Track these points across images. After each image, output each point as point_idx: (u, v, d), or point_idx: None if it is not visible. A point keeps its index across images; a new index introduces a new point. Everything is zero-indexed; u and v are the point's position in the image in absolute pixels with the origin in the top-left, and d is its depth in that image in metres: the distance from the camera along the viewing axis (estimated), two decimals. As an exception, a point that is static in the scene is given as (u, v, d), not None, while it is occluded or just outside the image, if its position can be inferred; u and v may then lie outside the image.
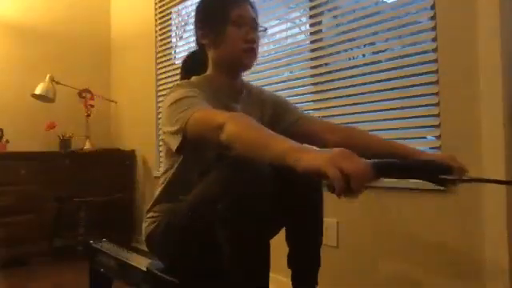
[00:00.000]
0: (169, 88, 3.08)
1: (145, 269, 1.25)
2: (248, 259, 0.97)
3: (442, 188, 1.07)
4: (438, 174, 0.93)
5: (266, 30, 1.24)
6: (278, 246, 1.27)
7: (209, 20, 1.19)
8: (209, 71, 1.22)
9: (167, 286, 1.16)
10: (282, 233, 1.24)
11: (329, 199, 1.28)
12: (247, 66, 1.19)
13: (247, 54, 1.15)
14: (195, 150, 1.09)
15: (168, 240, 1.13)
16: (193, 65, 1.27)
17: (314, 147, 0.89)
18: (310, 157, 0.71)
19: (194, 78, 1.21)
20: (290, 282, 1.27)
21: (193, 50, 1.31)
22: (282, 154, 0.75)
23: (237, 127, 0.87)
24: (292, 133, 1.22)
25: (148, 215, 1.24)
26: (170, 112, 1.03)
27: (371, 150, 1.15)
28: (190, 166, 1.15)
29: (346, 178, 0.66)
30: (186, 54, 1.30)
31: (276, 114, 1.29)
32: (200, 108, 0.98)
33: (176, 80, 2.92)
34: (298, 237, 1.22)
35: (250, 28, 1.15)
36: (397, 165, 0.89)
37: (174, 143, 1.00)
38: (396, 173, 0.89)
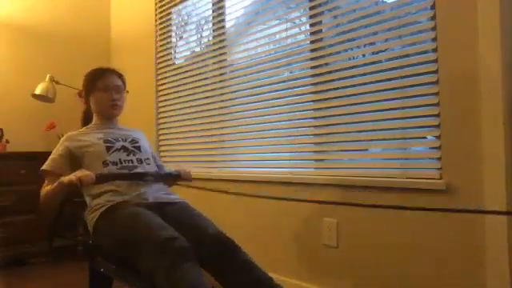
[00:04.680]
0: (168, 88, 3.08)
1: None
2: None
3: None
4: (142, 178, 1.57)
5: (127, 91, 1.82)
6: (278, 246, 1.27)
7: (88, 87, 1.77)
8: (93, 119, 1.81)
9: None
10: (284, 233, 1.24)
11: (329, 199, 1.29)
12: (114, 115, 1.79)
13: (112, 108, 1.74)
14: (86, 165, 1.64)
15: (108, 243, 1.48)
16: (87, 116, 1.85)
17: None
18: (68, 176, 1.41)
19: (86, 126, 1.81)
20: (290, 281, 1.27)
21: (84, 109, 1.89)
22: (64, 182, 1.42)
23: (42, 193, 1.60)
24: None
25: (88, 212, 1.57)
26: (53, 151, 1.70)
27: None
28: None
29: (80, 180, 1.38)
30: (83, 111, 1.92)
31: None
32: (48, 167, 1.65)
33: (176, 80, 2.93)
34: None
35: (115, 91, 1.73)
36: (113, 175, 1.53)
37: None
38: (113, 178, 1.52)
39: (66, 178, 1.39)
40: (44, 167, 1.65)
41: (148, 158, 1.72)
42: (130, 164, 1.63)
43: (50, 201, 1.56)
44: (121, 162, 1.61)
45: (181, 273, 1.18)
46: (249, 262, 1.39)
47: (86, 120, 1.85)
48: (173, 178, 1.69)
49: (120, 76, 1.81)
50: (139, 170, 1.64)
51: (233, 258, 1.38)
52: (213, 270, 1.40)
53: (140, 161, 1.66)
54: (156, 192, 1.60)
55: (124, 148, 1.67)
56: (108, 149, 1.63)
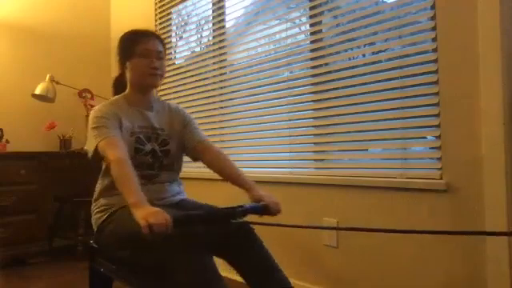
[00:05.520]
0: (168, 88, 3.07)
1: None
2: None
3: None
4: (231, 219, 1.22)
5: (166, 58, 1.59)
6: (279, 246, 1.27)
7: (124, 51, 1.56)
8: (127, 90, 1.57)
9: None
10: (284, 233, 1.24)
11: (329, 200, 1.29)
12: (153, 86, 1.55)
13: (152, 77, 1.49)
14: None
15: (113, 243, 1.41)
16: (119, 85, 1.62)
17: (147, 205, 1.15)
18: (137, 212, 1.10)
19: (115, 97, 1.57)
20: (290, 281, 1.28)
21: (118, 73, 1.65)
22: (130, 206, 1.15)
23: (114, 171, 1.27)
24: (189, 151, 1.60)
25: (95, 211, 1.50)
26: (89, 132, 1.42)
27: (224, 175, 1.52)
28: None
29: (151, 228, 1.04)
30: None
31: (183, 131, 1.60)
32: (104, 138, 1.35)
33: (175, 80, 2.93)
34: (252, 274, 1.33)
35: (155, 58, 1.50)
36: (193, 217, 1.21)
37: (90, 156, 1.41)
38: (194, 223, 1.20)
39: (136, 212, 1.11)
40: (101, 137, 1.35)
41: (172, 164, 1.55)
42: (151, 172, 1.49)
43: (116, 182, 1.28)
44: (140, 170, 1.41)
45: (191, 264, 1.15)
46: (263, 246, 1.36)
47: (118, 88, 1.62)
48: (259, 213, 1.34)
49: (161, 41, 1.58)
50: (161, 177, 1.50)
51: (247, 236, 1.35)
52: (226, 252, 1.35)
53: (160, 168, 1.51)
54: (167, 193, 1.53)
55: (152, 152, 1.49)
56: (136, 151, 1.46)
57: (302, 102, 2.11)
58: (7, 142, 2.93)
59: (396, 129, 1.74)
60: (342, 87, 1.93)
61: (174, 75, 2.97)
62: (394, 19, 1.76)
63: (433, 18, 1.61)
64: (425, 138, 1.72)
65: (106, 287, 1.58)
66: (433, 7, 1.61)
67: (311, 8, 2.10)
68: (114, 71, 4.05)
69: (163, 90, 3.06)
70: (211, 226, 1.29)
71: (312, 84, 2.07)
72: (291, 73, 2.21)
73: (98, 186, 1.53)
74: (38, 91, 2.97)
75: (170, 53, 3.08)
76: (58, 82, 3.07)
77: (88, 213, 2.94)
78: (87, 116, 3.20)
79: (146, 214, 1.07)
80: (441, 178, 1.57)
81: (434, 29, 1.60)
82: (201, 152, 1.57)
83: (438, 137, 1.59)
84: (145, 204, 1.14)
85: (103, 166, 1.50)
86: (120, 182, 1.25)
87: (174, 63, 3.05)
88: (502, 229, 1.39)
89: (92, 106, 3.22)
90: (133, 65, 1.51)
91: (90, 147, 1.40)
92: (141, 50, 1.49)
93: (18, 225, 2.68)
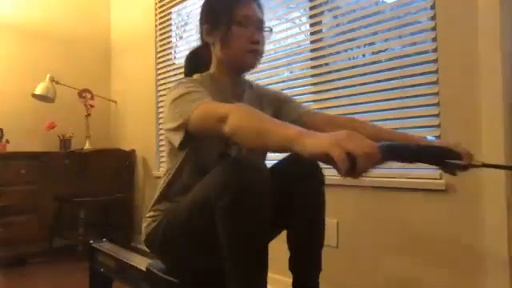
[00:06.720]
0: (169, 88, 3.07)
1: (144, 269, 1.26)
2: (246, 259, 0.98)
3: (450, 174, 1.07)
4: (446, 159, 0.95)
5: (271, 30, 1.20)
6: (279, 246, 1.27)
7: (213, 18, 1.15)
8: (212, 69, 1.20)
9: (167, 287, 1.17)
10: (284, 233, 1.24)
11: (329, 200, 1.28)
12: (251, 67, 1.17)
13: (251, 54, 1.13)
14: (197, 149, 1.08)
15: (167, 239, 1.13)
16: (196, 61, 1.24)
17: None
18: (315, 140, 0.70)
19: (196, 76, 1.19)
20: (290, 281, 1.27)
21: (197, 45, 1.27)
22: (288, 140, 0.74)
23: (239, 117, 0.86)
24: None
25: (148, 215, 1.22)
26: (172, 108, 1.03)
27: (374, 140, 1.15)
28: (191, 166, 1.13)
29: (351, 159, 0.66)
30: (189, 50, 1.28)
31: (278, 112, 1.26)
32: (202, 102, 0.97)
33: (176, 80, 2.92)
34: (298, 240, 1.21)
35: (256, 29, 1.13)
36: (405, 148, 0.88)
37: (176, 139, 1.01)
38: (404, 156, 0.87)
39: (310, 142, 0.70)
40: (195, 105, 0.96)
41: None
42: None
43: (256, 139, 0.83)
44: None
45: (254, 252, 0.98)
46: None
47: (193, 66, 1.25)
48: (449, 164, 0.99)
49: (261, 7, 1.18)
50: None
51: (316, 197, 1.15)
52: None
53: None
54: None
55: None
56: (221, 156, 1.13)
57: (301, 102, 2.11)
58: (7, 142, 2.93)
59: (396, 129, 1.73)
60: (342, 87, 1.93)
61: (174, 75, 2.97)
62: (394, 19, 1.76)
63: (433, 18, 1.60)
64: (425, 138, 1.71)
65: (105, 287, 1.59)
66: (433, 7, 1.60)
67: (311, 8, 2.09)
68: (114, 71, 4.06)
69: (164, 90, 3.06)
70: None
71: (312, 84, 2.07)
72: (291, 73, 2.21)
73: (162, 188, 1.20)
74: (38, 91, 2.98)
75: (170, 53, 3.08)
76: (57, 82, 3.07)
77: (87, 212, 2.94)
78: (87, 116, 3.21)
79: (336, 139, 0.67)
80: (441, 178, 1.57)
81: (434, 29, 1.60)
82: (323, 124, 1.18)
83: (438, 137, 1.58)
84: (313, 131, 0.74)
85: (177, 164, 1.15)
86: (252, 125, 0.83)
87: (174, 63, 3.05)
88: (501, 230, 1.39)
89: (92, 106, 3.24)
90: (227, 37, 1.12)
91: (172, 123, 1.01)
92: (239, 16, 1.10)
93: (18, 225, 2.69)
